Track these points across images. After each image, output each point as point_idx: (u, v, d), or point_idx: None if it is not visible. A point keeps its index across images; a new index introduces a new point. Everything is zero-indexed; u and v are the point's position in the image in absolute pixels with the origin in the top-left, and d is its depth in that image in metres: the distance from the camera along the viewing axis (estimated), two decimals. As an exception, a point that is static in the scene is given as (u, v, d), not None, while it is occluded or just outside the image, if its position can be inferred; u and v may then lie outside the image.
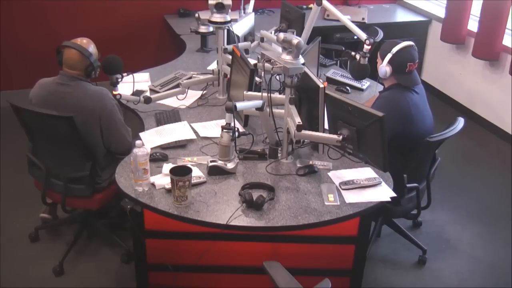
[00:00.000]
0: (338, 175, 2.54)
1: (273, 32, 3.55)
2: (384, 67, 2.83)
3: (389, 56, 2.81)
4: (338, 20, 3.33)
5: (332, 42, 4.75)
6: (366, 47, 3.05)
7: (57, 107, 2.68)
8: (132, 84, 3.11)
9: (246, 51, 3.37)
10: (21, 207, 3.51)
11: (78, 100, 2.72)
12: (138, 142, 2.33)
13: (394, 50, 2.80)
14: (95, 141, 2.78)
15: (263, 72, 2.51)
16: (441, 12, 5.15)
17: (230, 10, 3.15)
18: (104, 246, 3.23)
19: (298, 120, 2.39)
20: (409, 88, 2.83)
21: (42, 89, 2.79)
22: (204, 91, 3.33)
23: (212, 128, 2.90)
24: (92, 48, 2.80)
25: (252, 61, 2.97)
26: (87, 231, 3.28)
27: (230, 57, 3.10)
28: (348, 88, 3.51)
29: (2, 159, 4.04)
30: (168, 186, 2.34)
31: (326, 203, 2.34)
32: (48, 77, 2.84)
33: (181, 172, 2.25)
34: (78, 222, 3.25)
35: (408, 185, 2.75)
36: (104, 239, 3.25)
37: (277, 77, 2.98)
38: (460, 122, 2.85)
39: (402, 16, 5.40)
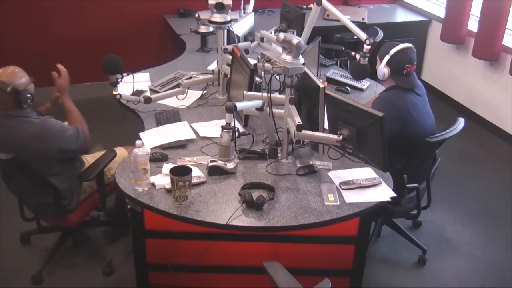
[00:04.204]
0: (338, 175, 2.53)
1: (273, 32, 3.54)
2: (382, 69, 2.83)
3: (387, 58, 2.81)
4: (338, 20, 3.32)
5: (332, 42, 4.75)
6: (366, 47, 3.05)
7: (4, 142, 2.57)
8: (132, 84, 3.10)
9: (246, 51, 3.36)
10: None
11: (21, 140, 2.58)
12: (138, 142, 2.33)
13: (392, 52, 2.80)
14: (49, 172, 2.68)
15: (263, 72, 2.50)
16: (441, 12, 5.15)
17: (230, 10, 3.14)
18: (89, 255, 3.16)
19: (298, 120, 2.38)
20: (409, 89, 2.83)
21: None
22: (204, 91, 3.33)
23: (212, 128, 2.90)
24: (14, 78, 2.58)
25: (252, 61, 2.97)
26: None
27: (230, 57, 3.10)
28: (348, 88, 3.51)
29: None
30: (168, 186, 2.34)
31: (326, 203, 2.34)
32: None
33: (181, 172, 2.24)
34: (61, 230, 3.16)
35: (408, 185, 2.75)
36: (88, 249, 3.19)
37: (277, 77, 2.98)
38: (461, 123, 2.85)
39: (402, 16, 5.40)
